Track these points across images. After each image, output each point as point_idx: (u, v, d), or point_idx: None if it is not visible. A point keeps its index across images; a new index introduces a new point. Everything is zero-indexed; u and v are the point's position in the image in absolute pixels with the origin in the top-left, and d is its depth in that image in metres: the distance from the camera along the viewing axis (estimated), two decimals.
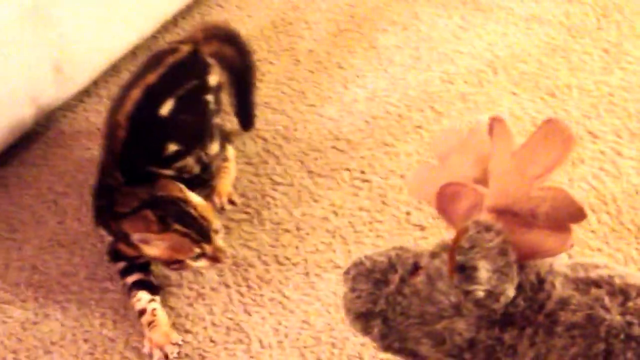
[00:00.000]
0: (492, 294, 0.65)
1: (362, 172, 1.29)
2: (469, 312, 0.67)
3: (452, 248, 0.66)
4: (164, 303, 1.15)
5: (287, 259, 1.18)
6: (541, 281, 0.67)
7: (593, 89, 1.38)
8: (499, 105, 1.39)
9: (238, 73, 1.33)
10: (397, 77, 1.48)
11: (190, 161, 1.19)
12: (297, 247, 1.19)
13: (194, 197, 1.12)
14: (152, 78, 1.20)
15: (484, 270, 0.64)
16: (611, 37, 1.49)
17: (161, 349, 1.09)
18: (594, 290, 0.64)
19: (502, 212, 0.66)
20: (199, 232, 1.07)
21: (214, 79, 1.26)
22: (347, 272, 0.78)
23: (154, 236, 1.07)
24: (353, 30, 1.61)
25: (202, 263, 1.09)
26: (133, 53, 1.60)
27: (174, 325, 1.13)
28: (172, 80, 1.21)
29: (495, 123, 0.67)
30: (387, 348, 0.76)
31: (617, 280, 0.64)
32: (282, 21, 1.65)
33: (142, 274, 1.16)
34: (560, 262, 0.69)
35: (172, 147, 1.17)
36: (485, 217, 0.67)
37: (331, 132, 1.39)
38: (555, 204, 0.63)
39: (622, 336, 0.59)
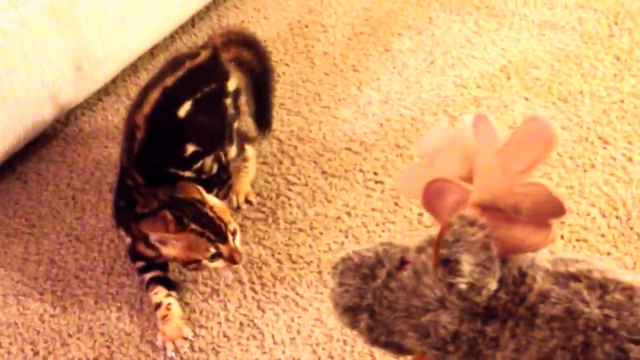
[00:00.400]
0: (474, 287, 0.66)
1: (375, 174, 1.31)
2: (453, 305, 0.69)
3: (437, 242, 0.67)
4: (180, 298, 1.17)
5: (301, 257, 1.20)
6: (523, 275, 0.68)
7: (604, 95, 1.39)
8: (512, 109, 1.40)
9: (257, 77, 1.35)
10: (411, 81, 1.50)
11: (208, 161, 1.21)
12: (310, 246, 1.21)
13: (212, 199, 1.14)
14: (170, 81, 1.22)
15: (466, 264, 0.65)
16: (623, 44, 1.50)
17: (173, 342, 1.11)
18: (573, 284, 0.65)
19: (486, 208, 0.68)
20: (215, 232, 1.09)
21: (232, 84, 1.28)
22: (335, 267, 0.79)
23: (172, 236, 1.09)
24: (368, 34, 1.63)
25: (219, 263, 1.11)
26: (151, 53, 1.63)
27: (189, 319, 1.15)
28: (191, 83, 1.23)
29: (479, 121, 0.68)
30: (374, 342, 0.77)
31: (596, 275, 0.65)
32: (299, 24, 1.67)
33: (160, 271, 1.19)
34: (542, 257, 0.70)
35: (191, 148, 1.20)
36: (470, 212, 0.68)
37: (345, 134, 1.41)
38: (536, 199, 0.64)
39: (599, 329, 0.61)
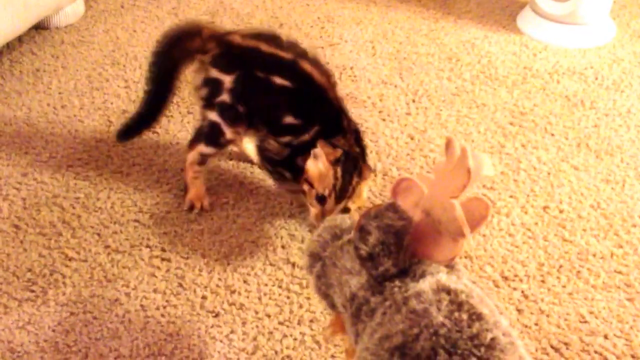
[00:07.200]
0: (373, 260, 0.78)
1: (163, 250, 1.26)
2: (357, 270, 0.81)
3: (364, 213, 0.80)
4: None
5: (68, 346, 1.10)
6: (421, 275, 0.78)
7: (396, 174, 1.44)
8: None
9: None
10: None
11: None
12: (80, 333, 1.12)
13: (369, 178, 1.28)
14: None
15: (373, 237, 0.77)
16: (418, 124, 1.57)
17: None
18: (442, 294, 0.75)
19: (427, 214, 0.79)
20: (342, 190, 1.22)
21: None
22: (324, 222, 0.93)
23: (327, 160, 1.20)
24: None
25: (314, 208, 1.23)
26: None
27: None
28: None
29: (449, 143, 0.79)
30: (318, 290, 0.90)
31: (462, 296, 0.75)
32: (99, 76, 1.59)
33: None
34: (456, 275, 0.80)
35: None
36: (405, 205, 0.80)
37: (136, 204, 1.34)
38: (447, 216, 0.76)
39: (431, 330, 0.72)
